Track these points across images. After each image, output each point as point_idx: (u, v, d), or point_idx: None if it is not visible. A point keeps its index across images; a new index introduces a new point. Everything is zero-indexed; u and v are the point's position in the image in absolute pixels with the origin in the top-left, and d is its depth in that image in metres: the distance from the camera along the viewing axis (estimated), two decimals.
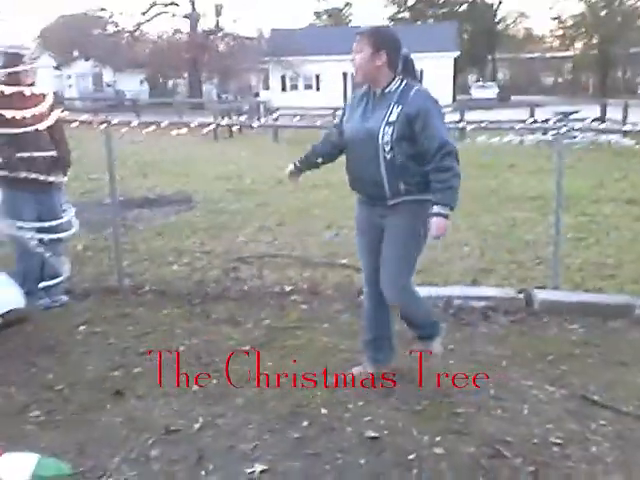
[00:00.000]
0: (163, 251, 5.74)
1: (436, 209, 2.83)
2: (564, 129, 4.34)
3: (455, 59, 39.75)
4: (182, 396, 3.06)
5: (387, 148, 2.80)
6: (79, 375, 3.29)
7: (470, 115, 17.34)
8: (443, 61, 38.36)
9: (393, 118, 2.80)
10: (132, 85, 39.95)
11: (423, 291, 4.30)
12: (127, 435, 2.74)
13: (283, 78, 41.43)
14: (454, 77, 40.12)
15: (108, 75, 43.85)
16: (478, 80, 47.79)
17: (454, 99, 35.83)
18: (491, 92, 39.54)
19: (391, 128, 2.79)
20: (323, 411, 2.87)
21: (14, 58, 3.98)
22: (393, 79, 2.88)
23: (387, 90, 2.88)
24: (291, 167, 3.28)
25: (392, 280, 2.96)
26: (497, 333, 3.82)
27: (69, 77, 40.12)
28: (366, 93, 2.99)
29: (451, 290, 4.39)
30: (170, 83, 44.53)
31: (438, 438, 2.68)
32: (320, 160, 3.21)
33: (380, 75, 2.88)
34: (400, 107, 2.80)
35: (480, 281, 4.74)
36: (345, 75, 38.21)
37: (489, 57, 55.54)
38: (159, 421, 2.84)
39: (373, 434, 2.71)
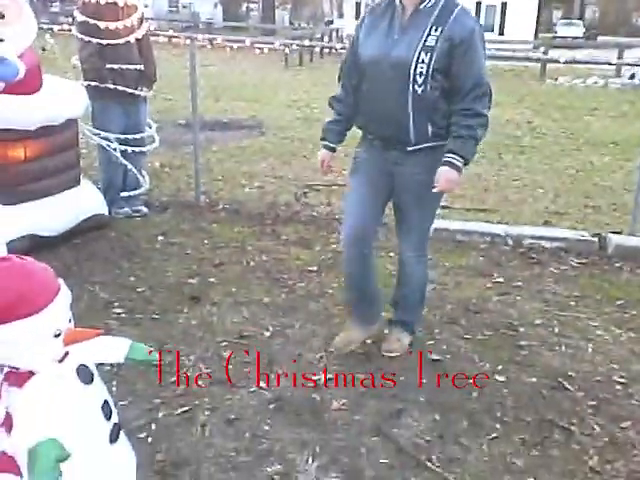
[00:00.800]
0: (236, 173, 5.90)
1: (452, 159, 2.34)
2: None
3: None
4: (253, 306, 3.23)
5: (420, 80, 2.30)
6: (159, 279, 3.50)
7: (553, 53, 16.44)
8: None
9: (431, 43, 2.29)
10: (206, 8, 39.54)
11: (492, 228, 4.32)
12: (202, 336, 2.92)
13: (357, 5, 39.97)
14: (538, 13, 37.76)
15: None
16: (564, 18, 44.70)
17: (536, 36, 33.87)
18: (577, 30, 37.11)
19: (428, 56, 2.28)
20: (386, 331, 2.94)
21: None
22: None
23: (422, 6, 2.34)
24: (323, 153, 2.72)
25: (418, 247, 2.69)
26: (567, 274, 3.79)
27: None
28: (389, 7, 2.42)
29: (521, 229, 4.34)
30: (243, 7, 43.82)
31: (500, 367, 2.74)
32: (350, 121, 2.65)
33: None
34: (440, 30, 2.29)
35: (552, 223, 4.66)
36: None
37: None
38: (232, 326, 3.02)
39: (435, 357, 2.80)
